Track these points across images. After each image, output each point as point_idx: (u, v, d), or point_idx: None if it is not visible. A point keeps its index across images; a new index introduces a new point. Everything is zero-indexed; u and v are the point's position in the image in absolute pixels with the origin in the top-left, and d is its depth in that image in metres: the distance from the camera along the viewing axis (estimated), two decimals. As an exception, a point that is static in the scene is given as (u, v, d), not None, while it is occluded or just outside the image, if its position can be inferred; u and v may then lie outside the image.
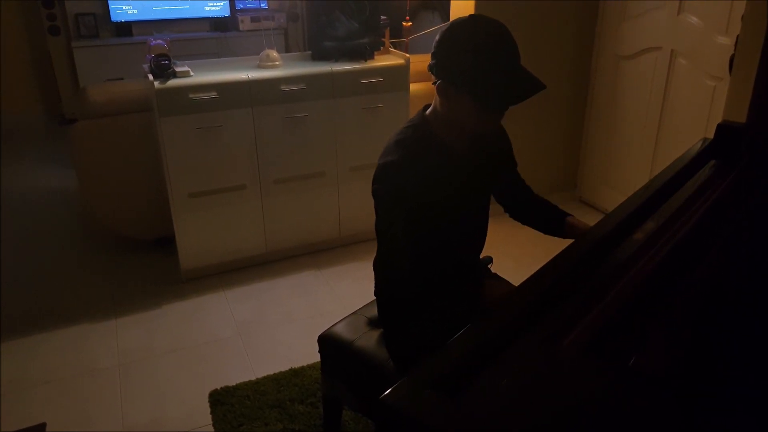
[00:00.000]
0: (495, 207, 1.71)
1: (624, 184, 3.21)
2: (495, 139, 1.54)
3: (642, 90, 2.99)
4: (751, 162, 1.62)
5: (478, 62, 1.23)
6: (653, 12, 2.85)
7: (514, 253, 2.85)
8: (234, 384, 2.11)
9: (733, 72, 2.23)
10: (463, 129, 1.36)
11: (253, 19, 4.90)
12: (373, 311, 1.69)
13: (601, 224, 1.27)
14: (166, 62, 2.47)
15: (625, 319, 0.94)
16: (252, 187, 2.70)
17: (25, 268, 2.91)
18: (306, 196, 2.81)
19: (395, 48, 3.00)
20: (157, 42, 2.52)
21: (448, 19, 2.89)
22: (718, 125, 1.77)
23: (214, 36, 4.92)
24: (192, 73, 2.53)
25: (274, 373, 2.16)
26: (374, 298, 1.65)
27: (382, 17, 2.81)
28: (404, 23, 2.90)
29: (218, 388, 2.10)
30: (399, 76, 2.78)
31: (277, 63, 2.70)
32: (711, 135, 2.63)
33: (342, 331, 1.66)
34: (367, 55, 2.73)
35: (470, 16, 1.30)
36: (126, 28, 4.79)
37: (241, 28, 4.93)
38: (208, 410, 2.01)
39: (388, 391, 0.72)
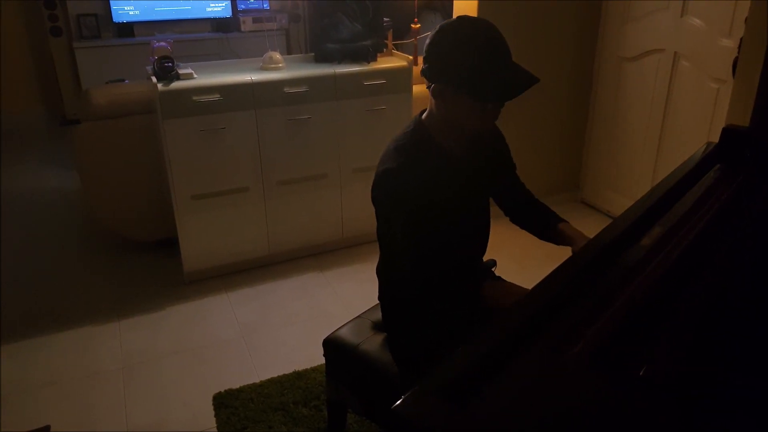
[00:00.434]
0: (495, 209, 1.71)
1: (626, 186, 3.21)
2: (492, 142, 1.55)
3: (645, 92, 2.99)
4: (757, 166, 1.61)
5: (472, 60, 1.25)
6: (656, 14, 2.85)
7: (517, 255, 2.85)
8: (238, 387, 2.11)
9: (737, 75, 2.23)
10: (461, 130, 1.37)
11: (255, 20, 4.90)
12: (378, 315, 1.69)
13: (608, 230, 1.26)
14: (170, 64, 2.47)
15: (634, 327, 0.94)
16: (255, 189, 2.70)
17: (27, 269, 2.91)
18: (309, 198, 2.81)
19: (399, 50, 3.00)
20: (161, 44, 2.52)
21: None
22: (724, 129, 1.76)
23: (216, 37, 4.92)
24: (195, 76, 2.53)
25: (278, 376, 2.16)
26: (378, 301, 1.65)
27: (385, 19, 2.81)
28: (412, 25, 2.90)
29: (222, 390, 2.10)
30: (402, 78, 2.78)
31: (280, 65, 2.69)
32: (714, 137, 2.63)
33: (347, 334, 1.66)
34: (370, 57, 2.73)
35: (458, 17, 1.32)
36: (128, 28, 4.79)
37: (242, 29, 4.93)
38: (212, 413, 2.01)
39: (399, 401, 0.72)
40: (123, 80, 3.92)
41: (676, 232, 1.26)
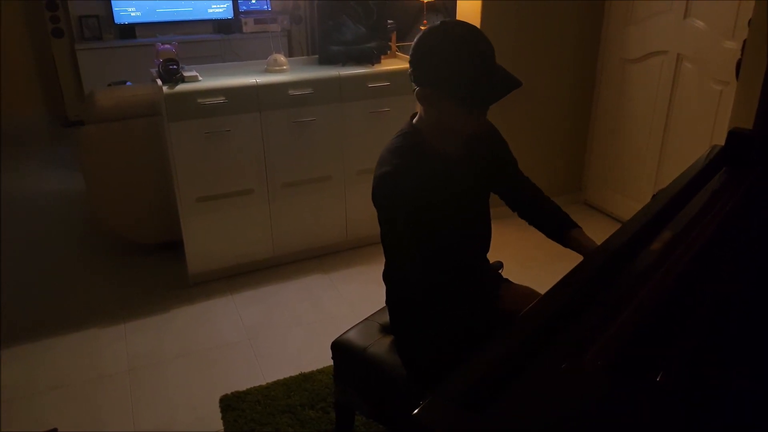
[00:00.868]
0: (498, 210, 1.71)
1: (629, 187, 3.21)
2: (488, 140, 1.55)
3: (648, 94, 2.99)
4: (763, 169, 1.62)
5: (454, 65, 1.26)
6: (659, 16, 2.86)
7: (519, 256, 2.86)
8: (244, 389, 2.11)
9: (740, 77, 2.23)
10: (450, 132, 1.38)
11: (257, 21, 4.91)
12: (385, 317, 1.69)
13: (617, 235, 1.27)
14: (175, 67, 2.47)
15: (647, 333, 0.95)
16: (259, 191, 2.70)
17: (31, 272, 2.91)
18: (313, 200, 2.82)
19: (402, 52, 3.00)
20: (166, 47, 2.52)
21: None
22: (730, 132, 1.77)
23: (218, 38, 4.92)
24: (200, 78, 2.53)
25: (284, 378, 2.17)
26: (383, 303, 1.65)
27: (389, 21, 2.81)
28: (421, 27, 2.90)
29: (229, 393, 2.10)
30: (406, 80, 2.77)
31: (284, 67, 2.70)
32: (717, 140, 2.65)
33: (355, 337, 1.66)
34: (375, 60, 2.74)
35: (441, 22, 1.32)
36: (129, 30, 4.79)
37: (244, 30, 4.93)
38: (219, 415, 2.01)
39: (418, 409, 0.73)
40: (125, 82, 3.92)
41: (685, 237, 1.26)
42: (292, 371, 2.19)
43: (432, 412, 0.73)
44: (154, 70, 2.63)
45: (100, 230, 3.03)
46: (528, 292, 1.59)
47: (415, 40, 1.33)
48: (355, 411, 1.76)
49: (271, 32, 4.10)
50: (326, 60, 2.80)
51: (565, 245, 1.56)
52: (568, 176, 3.51)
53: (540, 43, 3.08)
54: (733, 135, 1.78)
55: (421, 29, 3.19)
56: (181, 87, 2.46)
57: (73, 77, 4.82)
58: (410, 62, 1.33)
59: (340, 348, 1.67)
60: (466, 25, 1.31)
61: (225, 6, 4.94)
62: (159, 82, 2.47)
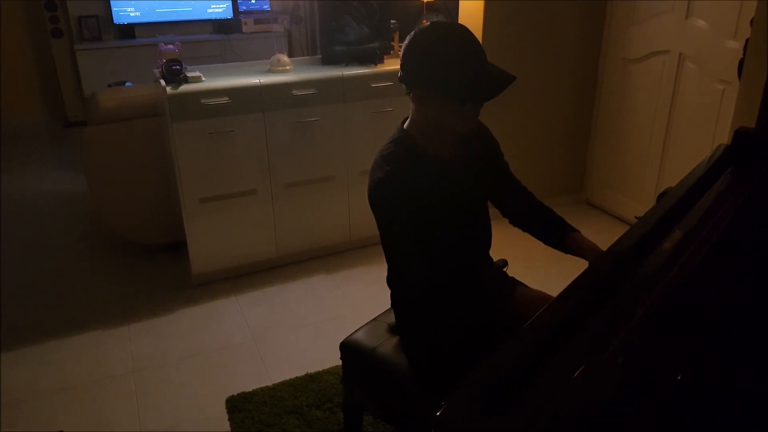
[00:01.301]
0: (494, 211, 1.71)
1: (631, 187, 3.22)
2: (481, 141, 1.55)
3: (650, 93, 3.00)
4: (769, 168, 1.62)
5: (448, 63, 1.27)
6: (661, 16, 2.87)
7: (521, 256, 2.86)
8: (251, 390, 2.11)
9: (743, 76, 2.24)
10: (444, 133, 1.39)
11: (257, 21, 4.90)
12: (392, 317, 1.69)
13: (627, 236, 1.27)
14: (178, 67, 2.46)
15: (663, 333, 0.95)
16: (263, 192, 2.70)
17: (33, 274, 2.90)
18: (316, 201, 2.82)
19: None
20: (169, 47, 2.52)
21: (455, 21, 2.90)
22: (736, 131, 1.77)
23: (218, 38, 4.91)
24: (203, 78, 2.53)
25: (290, 379, 2.17)
26: (388, 304, 1.66)
27: (392, 21, 2.81)
28: (418, 27, 2.90)
29: (235, 394, 2.10)
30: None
31: (287, 68, 2.70)
32: (719, 139, 2.66)
33: (363, 338, 1.66)
34: (378, 60, 2.74)
35: (432, 23, 1.34)
36: (129, 30, 4.78)
37: (244, 30, 4.93)
38: (226, 417, 2.01)
39: (441, 411, 0.73)
40: (124, 82, 3.91)
41: (695, 238, 1.27)
42: (298, 372, 2.19)
43: (454, 412, 0.73)
44: (156, 71, 2.62)
45: (102, 231, 3.03)
46: (542, 296, 1.59)
47: (406, 42, 1.33)
48: (364, 411, 1.76)
49: (274, 32, 4.09)
50: (329, 60, 2.80)
51: (565, 251, 1.55)
52: (570, 176, 3.51)
53: (542, 43, 3.09)
54: (739, 134, 1.78)
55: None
56: (185, 87, 2.45)
57: (72, 78, 4.81)
58: (402, 65, 1.33)
59: (348, 348, 1.66)
60: (456, 25, 1.33)
61: (225, 6, 4.94)
62: (162, 82, 2.46)
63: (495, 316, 1.48)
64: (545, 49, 3.11)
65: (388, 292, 1.59)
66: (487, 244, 1.61)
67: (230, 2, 4.94)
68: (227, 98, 2.50)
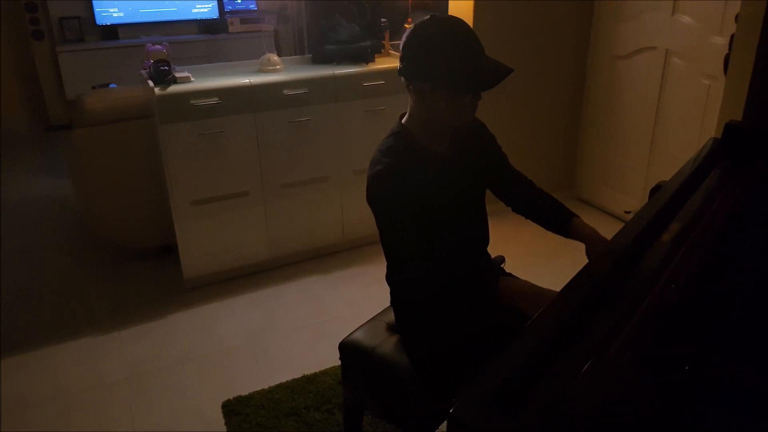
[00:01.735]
0: (495, 207, 1.72)
1: (621, 182, 3.25)
2: (477, 136, 1.56)
3: (638, 89, 3.03)
4: (762, 161, 1.64)
5: (448, 55, 1.28)
6: (648, 13, 2.89)
7: (518, 252, 2.87)
8: (247, 393, 2.09)
9: (729, 71, 2.27)
10: (443, 126, 1.40)
11: (243, 21, 4.87)
12: (392, 317, 1.69)
13: (623, 233, 1.28)
14: (166, 68, 2.43)
15: (667, 328, 0.96)
16: (255, 193, 2.68)
17: (22, 281, 2.84)
18: (309, 201, 2.80)
19: (395, 50, 3.00)
20: (156, 47, 2.49)
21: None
22: (726, 125, 1.79)
23: (204, 39, 4.87)
24: (192, 79, 2.50)
25: (287, 381, 2.15)
26: (385, 303, 1.65)
27: (382, 20, 2.80)
28: (406, 25, 2.90)
29: (231, 398, 2.08)
30: (400, 78, 2.77)
31: (278, 67, 2.68)
32: (706, 133, 2.69)
33: (362, 337, 1.65)
34: (369, 58, 2.73)
35: (431, 16, 1.35)
36: (112, 31, 4.72)
37: (230, 30, 4.89)
38: (222, 421, 1.99)
39: (455, 407, 0.73)
40: (109, 85, 3.86)
41: (692, 233, 1.28)
42: (295, 374, 2.18)
43: (469, 409, 0.73)
44: (144, 72, 2.59)
45: (91, 236, 2.98)
46: (526, 286, 1.59)
47: (406, 35, 1.34)
48: (364, 411, 1.75)
49: (263, 32, 4.06)
50: (320, 59, 2.79)
51: (566, 236, 1.57)
52: (560, 172, 3.54)
53: (531, 41, 3.10)
54: (729, 128, 1.80)
55: (405, 27, 3.19)
56: (174, 88, 2.43)
57: (54, 80, 4.73)
58: (402, 57, 1.34)
59: (348, 349, 1.65)
60: (455, 18, 1.34)
61: (210, 6, 4.89)
62: (150, 83, 2.43)
63: (486, 309, 1.47)
64: (534, 48, 3.13)
65: (385, 291, 1.58)
66: (485, 240, 1.61)
67: (216, 2, 4.90)
68: (217, 99, 2.47)
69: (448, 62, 1.28)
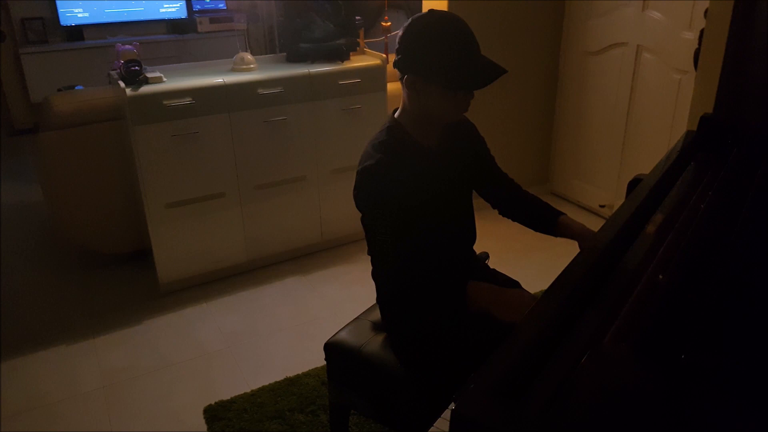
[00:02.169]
0: (474, 203, 1.72)
1: (595, 176, 3.29)
2: (467, 136, 1.57)
3: (610, 84, 3.07)
4: (739, 153, 1.67)
5: (443, 50, 1.29)
6: (619, 9, 2.94)
7: (497, 247, 2.88)
8: (229, 398, 2.06)
9: (699, 65, 2.31)
10: (434, 121, 1.40)
11: (212, 21, 4.79)
12: (376, 315, 1.68)
13: (606, 229, 1.29)
14: (137, 68, 2.37)
15: (660, 318, 0.96)
16: (231, 195, 2.63)
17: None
18: (287, 201, 2.77)
19: (370, 48, 2.98)
20: (126, 47, 2.43)
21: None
22: (701, 117, 1.83)
23: (172, 39, 4.78)
24: (165, 79, 2.44)
25: (270, 384, 2.12)
26: (365, 303, 1.63)
27: (357, 17, 2.79)
28: (383, 23, 2.89)
29: (213, 403, 2.04)
30: (376, 76, 2.77)
31: (252, 66, 2.64)
32: (678, 126, 2.75)
33: (348, 337, 1.63)
34: (344, 56, 2.71)
35: (429, 10, 1.34)
36: (77, 32, 4.60)
37: (199, 30, 4.81)
38: (205, 427, 1.95)
39: (459, 402, 0.72)
40: (74, 87, 3.76)
41: (675, 224, 1.30)
42: (277, 376, 2.15)
43: (472, 402, 0.72)
44: (114, 72, 2.53)
45: (62, 242, 2.89)
46: (492, 288, 1.43)
47: (403, 27, 1.34)
48: (351, 411, 1.73)
49: (236, 31, 4.00)
50: (295, 58, 2.76)
51: (556, 235, 1.57)
52: (535, 167, 3.57)
53: (504, 38, 3.13)
54: (705, 121, 1.84)
55: (382, 25, 3.19)
56: (145, 89, 2.37)
57: (17, 83, 4.58)
58: (398, 50, 1.34)
59: (334, 349, 1.63)
60: (452, 15, 1.34)
61: (178, 6, 4.80)
62: (121, 84, 2.37)
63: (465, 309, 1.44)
64: (508, 46, 3.15)
65: (366, 290, 1.57)
66: (472, 237, 1.61)
67: (184, 2, 4.81)
68: (191, 99, 2.42)
69: (440, 57, 1.28)
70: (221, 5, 4.94)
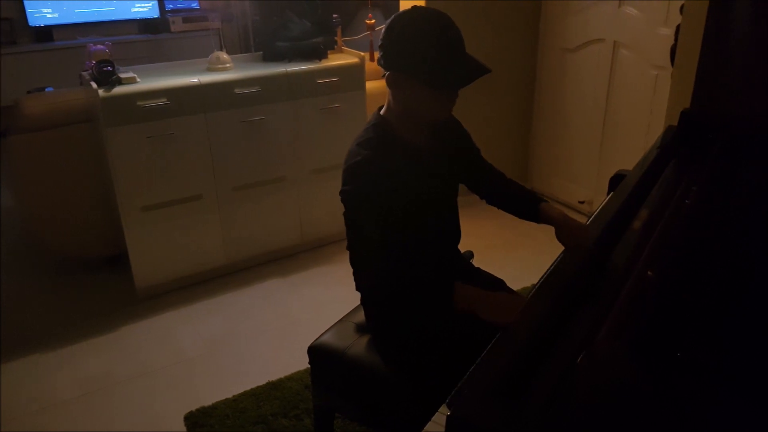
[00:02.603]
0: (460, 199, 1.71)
1: (573, 172, 3.31)
2: (452, 131, 1.56)
3: (587, 81, 3.09)
4: (721, 147, 1.69)
5: (426, 47, 1.26)
6: (595, 6, 2.96)
7: (479, 245, 2.88)
8: (211, 404, 2.01)
9: (676, 61, 2.33)
10: (419, 118, 1.38)
11: (185, 20, 4.71)
12: (360, 317, 1.65)
13: (594, 224, 1.29)
14: (110, 68, 2.31)
15: (651, 314, 0.96)
16: (209, 197, 2.58)
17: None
18: (266, 202, 2.72)
19: (347, 47, 2.95)
20: (98, 47, 2.36)
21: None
22: (681, 113, 1.84)
23: (145, 39, 4.68)
24: (138, 80, 2.38)
25: (252, 389, 2.08)
26: (347, 304, 1.61)
27: (334, 15, 2.76)
28: (367, 21, 2.87)
29: (194, 409, 1.99)
30: (355, 75, 2.74)
31: (228, 65, 2.59)
32: (655, 121, 2.77)
33: (332, 340, 1.61)
34: (322, 55, 2.67)
35: (413, 7, 1.32)
36: (46, 33, 4.47)
37: (172, 30, 4.72)
38: (186, 434, 1.91)
39: (454, 408, 0.70)
40: (45, 88, 3.66)
41: (660, 219, 1.30)
42: (259, 381, 2.11)
43: (469, 404, 0.71)
44: (86, 73, 2.46)
45: (35, 248, 2.81)
46: (478, 292, 1.39)
47: (386, 24, 1.31)
48: (336, 414, 1.71)
49: (211, 30, 3.93)
50: (271, 57, 2.72)
51: (537, 222, 1.57)
52: (514, 164, 3.57)
53: (481, 36, 3.13)
54: (685, 116, 1.85)
55: (367, 23, 3.15)
56: (119, 89, 2.31)
57: (-15, 85, 4.44)
58: (381, 46, 1.31)
59: (317, 352, 1.61)
60: (437, 12, 1.31)
61: (150, 5, 4.71)
62: (94, 84, 2.31)
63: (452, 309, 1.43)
64: (485, 44, 3.15)
65: (347, 292, 1.55)
66: (458, 235, 1.60)
67: (156, 1, 4.72)
68: (165, 99, 2.37)
69: (425, 56, 1.26)
70: (194, 4, 4.86)
